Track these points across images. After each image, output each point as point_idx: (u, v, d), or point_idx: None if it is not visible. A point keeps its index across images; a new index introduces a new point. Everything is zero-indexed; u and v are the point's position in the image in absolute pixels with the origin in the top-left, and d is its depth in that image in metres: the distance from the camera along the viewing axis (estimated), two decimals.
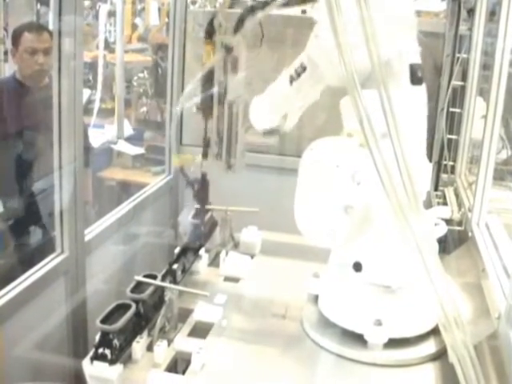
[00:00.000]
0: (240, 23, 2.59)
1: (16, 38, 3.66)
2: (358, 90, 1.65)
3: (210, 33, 2.64)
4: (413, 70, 2.13)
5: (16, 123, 3.62)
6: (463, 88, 3.61)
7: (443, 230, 2.45)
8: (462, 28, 3.67)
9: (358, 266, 2.25)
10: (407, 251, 1.75)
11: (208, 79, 2.64)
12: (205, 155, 2.73)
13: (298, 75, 2.42)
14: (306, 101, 2.57)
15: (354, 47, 1.68)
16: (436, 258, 1.75)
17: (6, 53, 6.79)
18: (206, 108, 2.67)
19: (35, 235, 3.69)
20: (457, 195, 3.44)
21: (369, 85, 1.74)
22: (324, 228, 2.21)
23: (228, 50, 2.56)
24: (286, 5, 2.55)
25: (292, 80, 2.45)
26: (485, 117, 2.78)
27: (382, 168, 1.68)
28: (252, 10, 2.57)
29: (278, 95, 2.57)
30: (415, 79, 2.13)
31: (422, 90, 2.21)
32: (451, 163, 3.67)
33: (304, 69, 2.41)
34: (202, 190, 2.94)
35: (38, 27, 3.82)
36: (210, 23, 2.66)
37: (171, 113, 4.32)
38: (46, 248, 3.21)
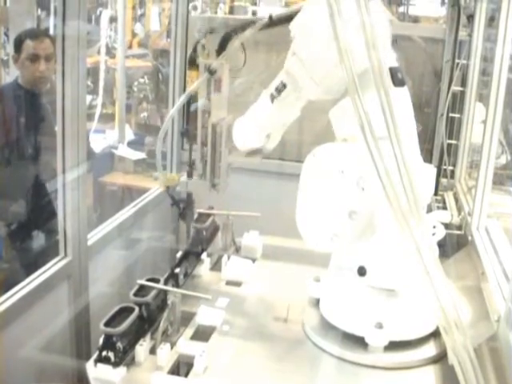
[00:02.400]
0: (223, 45, 2.65)
1: (18, 44, 3.67)
2: (358, 93, 1.68)
3: (194, 60, 2.70)
4: (393, 72, 2.15)
5: (19, 128, 3.64)
6: (463, 93, 3.63)
7: (441, 233, 2.47)
8: (462, 34, 3.70)
9: (362, 271, 2.27)
10: (408, 254, 1.77)
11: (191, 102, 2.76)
12: (190, 175, 2.84)
13: (279, 93, 2.46)
14: (288, 118, 2.61)
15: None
16: (436, 262, 1.77)
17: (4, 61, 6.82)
18: (189, 130, 2.80)
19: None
20: (456, 200, 3.46)
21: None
22: (327, 233, 2.23)
23: (211, 72, 2.61)
24: (267, 26, 2.61)
25: (273, 98, 2.49)
26: (484, 122, 2.80)
27: (382, 171, 1.70)
28: (234, 32, 2.62)
29: (261, 115, 2.60)
30: (397, 81, 2.16)
31: (405, 91, 2.24)
32: (451, 168, 3.69)
33: (284, 86, 2.45)
34: (187, 209, 3.00)
35: (40, 34, 3.84)
36: (194, 50, 2.71)
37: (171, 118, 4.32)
38: None
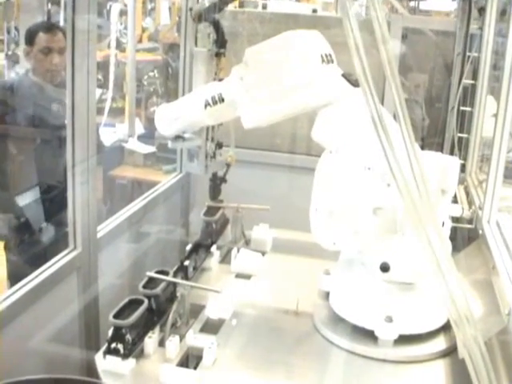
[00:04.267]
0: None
1: (30, 37, 3.67)
2: (371, 89, 1.66)
3: None
4: (347, 77, 2.24)
5: (30, 121, 3.64)
6: (474, 87, 3.62)
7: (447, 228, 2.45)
8: (473, 27, 3.69)
9: (386, 266, 2.25)
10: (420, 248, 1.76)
11: None
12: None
13: (215, 103, 2.44)
14: (218, 122, 2.67)
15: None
16: (448, 256, 1.76)
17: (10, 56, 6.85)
18: None
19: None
20: (467, 193, 3.44)
21: None
22: (348, 230, 2.22)
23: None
24: None
25: (207, 105, 2.46)
26: (495, 115, 2.79)
27: (395, 167, 1.69)
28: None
29: (190, 114, 2.59)
30: (355, 83, 2.22)
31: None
32: (462, 161, 3.67)
33: (222, 100, 2.42)
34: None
35: (53, 27, 3.84)
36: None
37: None
38: None
